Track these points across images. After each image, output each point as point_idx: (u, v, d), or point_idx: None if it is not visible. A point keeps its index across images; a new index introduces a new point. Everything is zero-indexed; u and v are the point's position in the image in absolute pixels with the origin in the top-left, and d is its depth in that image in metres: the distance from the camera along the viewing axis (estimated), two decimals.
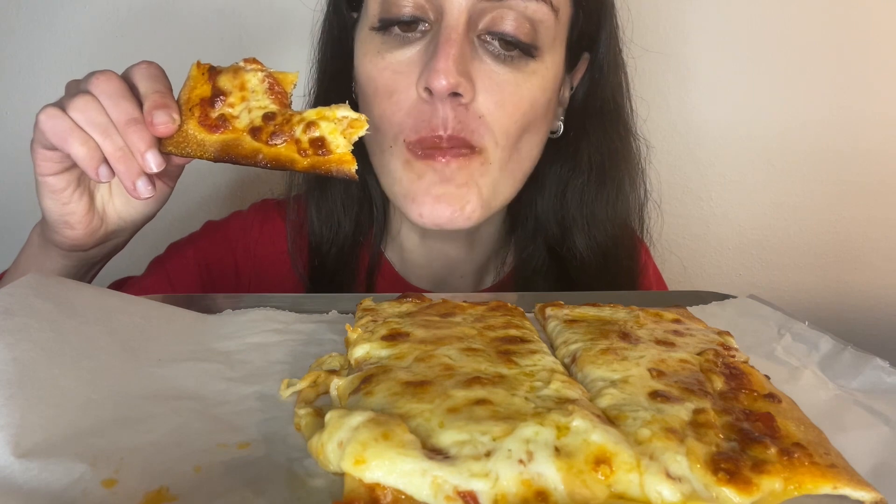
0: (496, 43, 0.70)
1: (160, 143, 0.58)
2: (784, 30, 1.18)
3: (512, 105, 0.71)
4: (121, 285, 0.82)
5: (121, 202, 0.66)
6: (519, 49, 0.70)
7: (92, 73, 0.59)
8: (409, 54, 0.70)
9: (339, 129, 0.59)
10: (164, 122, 0.57)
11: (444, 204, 0.71)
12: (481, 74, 0.69)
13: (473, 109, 0.69)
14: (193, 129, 0.58)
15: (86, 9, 1.07)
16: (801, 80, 1.20)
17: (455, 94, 0.68)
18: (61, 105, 0.58)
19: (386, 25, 0.71)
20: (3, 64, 1.08)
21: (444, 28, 0.68)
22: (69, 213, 0.62)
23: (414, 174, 0.71)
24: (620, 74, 0.82)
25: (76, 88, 0.60)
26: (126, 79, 0.60)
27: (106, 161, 0.58)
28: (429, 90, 0.67)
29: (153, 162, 0.57)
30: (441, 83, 0.66)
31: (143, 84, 0.59)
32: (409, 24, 0.70)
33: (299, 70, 0.63)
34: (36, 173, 0.61)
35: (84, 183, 0.63)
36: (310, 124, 0.58)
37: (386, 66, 0.71)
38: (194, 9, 1.09)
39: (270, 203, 0.91)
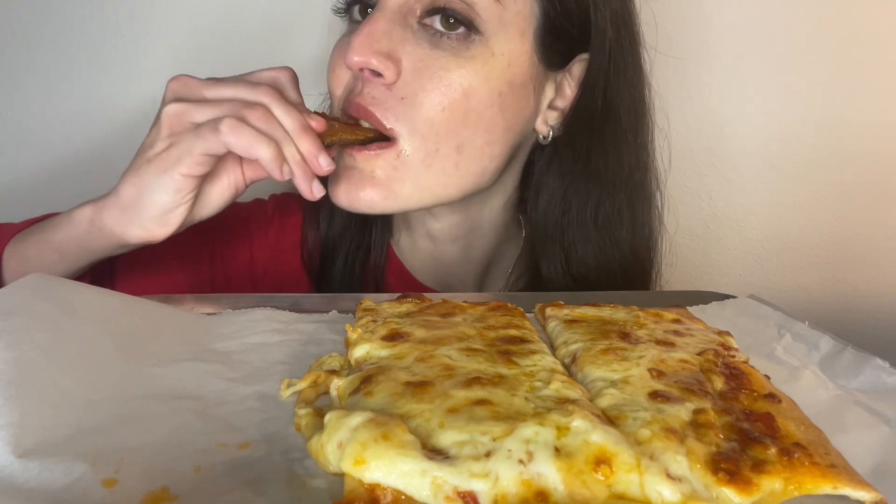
0: (437, 22, 0.68)
1: (322, 136, 0.65)
2: (784, 30, 1.18)
3: (439, 90, 0.68)
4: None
5: (198, 204, 0.66)
6: (462, 26, 0.68)
7: (254, 86, 0.63)
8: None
9: None
10: (317, 121, 0.64)
11: (346, 186, 0.71)
12: (413, 57, 0.68)
13: (396, 90, 0.68)
14: (339, 124, 0.68)
15: (86, 8, 1.07)
16: (801, 81, 1.20)
17: (375, 75, 0.68)
18: (238, 115, 0.61)
19: (347, 9, 0.75)
20: (3, 63, 1.08)
21: (375, 8, 0.69)
22: (178, 214, 0.63)
23: (335, 151, 0.72)
24: (620, 79, 0.76)
25: (239, 89, 0.63)
26: (272, 82, 0.65)
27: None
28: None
29: (325, 164, 0.63)
30: (352, 59, 0.67)
31: (292, 93, 0.66)
32: (364, 9, 0.73)
33: None
34: (173, 173, 0.61)
35: (196, 184, 0.64)
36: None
37: (338, 53, 0.73)
38: (193, 10, 1.09)
39: (291, 198, 0.91)
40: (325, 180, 0.67)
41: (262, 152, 0.60)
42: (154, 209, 0.62)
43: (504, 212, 0.84)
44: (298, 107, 0.65)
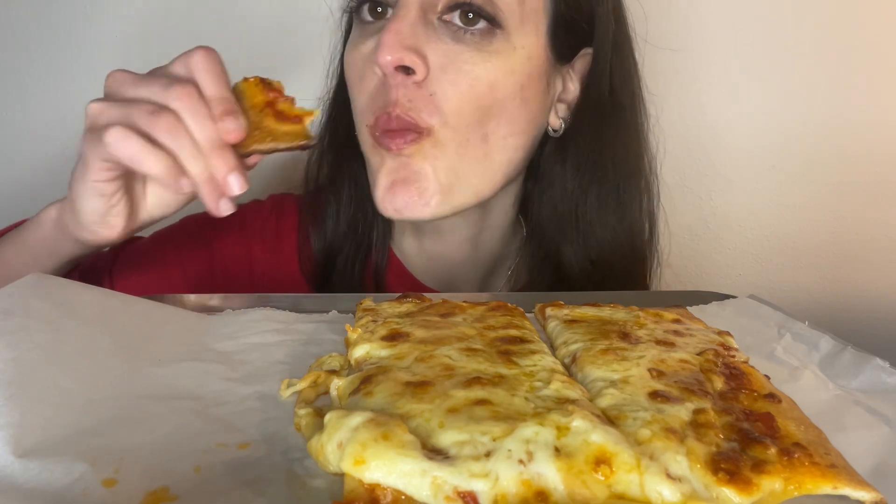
0: (456, 17, 0.69)
1: (242, 145, 0.58)
2: (784, 30, 1.18)
3: (467, 85, 0.69)
4: (126, 243, 0.78)
5: (153, 201, 0.65)
6: (482, 20, 0.69)
7: (172, 83, 0.57)
8: (376, 40, 0.70)
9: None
10: (234, 129, 0.57)
11: (400, 191, 0.70)
12: (438, 53, 0.69)
13: (425, 87, 0.69)
14: (272, 123, 0.59)
15: (85, 9, 1.07)
16: (801, 81, 1.20)
17: (406, 72, 0.68)
18: (128, 122, 0.56)
19: (357, 7, 0.74)
20: (3, 64, 1.08)
21: (397, 6, 0.69)
22: (114, 214, 0.61)
23: (378, 160, 0.72)
24: (622, 70, 0.80)
25: (154, 89, 0.57)
26: (190, 74, 0.58)
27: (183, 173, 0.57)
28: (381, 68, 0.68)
29: (235, 185, 0.57)
30: (385, 58, 0.66)
31: (210, 87, 0.58)
32: (379, 12, 0.72)
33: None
34: (87, 179, 0.59)
35: (125, 185, 0.62)
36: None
37: (359, 55, 0.72)
38: (204, 15, 1.09)
39: (290, 199, 0.91)
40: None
41: (150, 166, 0.55)
42: (89, 214, 0.61)
43: (511, 208, 0.85)
44: (219, 101, 0.57)
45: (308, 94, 0.79)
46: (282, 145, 0.59)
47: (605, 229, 0.81)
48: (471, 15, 0.69)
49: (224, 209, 0.59)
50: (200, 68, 0.58)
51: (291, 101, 0.61)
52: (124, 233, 0.63)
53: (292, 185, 0.95)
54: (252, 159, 0.62)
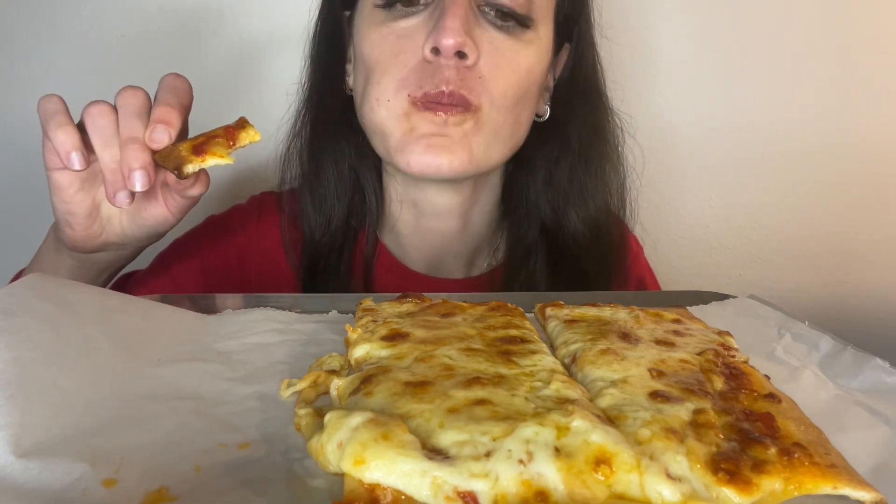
0: (493, 13, 0.74)
1: (154, 153, 0.61)
2: (782, 26, 1.18)
3: (510, 70, 0.74)
4: (126, 279, 0.82)
5: (127, 218, 0.68)
6: (515, 20, 0.75)
7: (125, 87, 0.63)
8: (414, 22, 0.74)
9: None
10: (158, 139, 0.61)
11: (433, 154, 0.73)
12: (483, 39, 0.73)
13: (475, 70, 0.73)
14: (184, 149, 0.61)
15: (86, 10, 1.07)
16: (801, 80, 1.20)
17: (460, 56, 0.71)
18: (87, 107, 0.62)
19: (391, 2, 0.75)
20: (3, 65, 1.08)
21: None
22: (69, 212, 0.65)
23: (408, 126, 0.74)
24: (595, 57, 0.88)
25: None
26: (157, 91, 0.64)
27: (80, 150, 0.60)
28: (436, 50, 0.71)
29: (138, 182, 0.60)
30: (449, 41, 0.69)
31: (160, 95, 0.63)
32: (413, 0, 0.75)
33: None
34: (46, 169, 0.63)
35: (88, 187, 0.65)
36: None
37: (391, 32, 0.75)
38: (196, 14, 1.09)
39: (269, 196, 0.93)
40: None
41: (52, 131, 0.60)
42: (55, 211, 0.65)
43: (498, 187, 0.89)
44: (160, 110, 0.61)
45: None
46: (167, 165, 0.61)
47: (603, 192, 0.89)
48: (506, 10, 0.74)
49: (120, 200, 0.62)
50: (163, 84, 0.64)
51: (224, 146, 0.62)
52: (86, 236, 0.66)
53: (266, 185, 0.97)
54: (189, 184, 0.65)
